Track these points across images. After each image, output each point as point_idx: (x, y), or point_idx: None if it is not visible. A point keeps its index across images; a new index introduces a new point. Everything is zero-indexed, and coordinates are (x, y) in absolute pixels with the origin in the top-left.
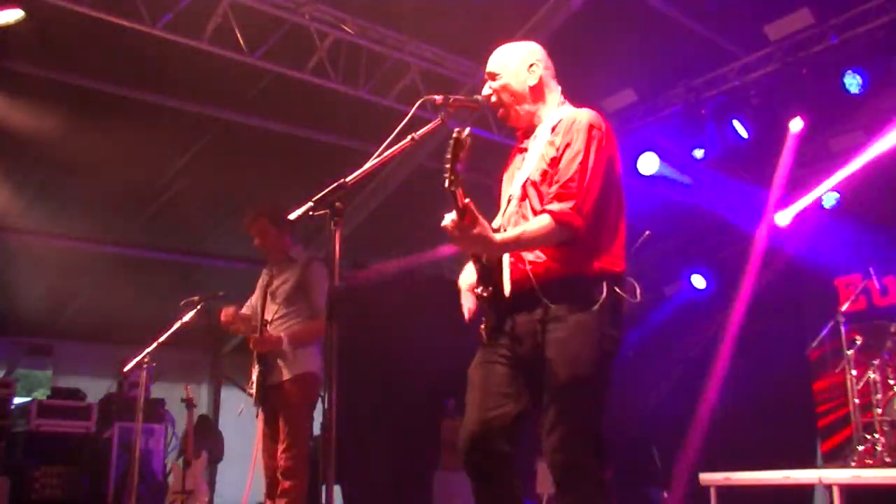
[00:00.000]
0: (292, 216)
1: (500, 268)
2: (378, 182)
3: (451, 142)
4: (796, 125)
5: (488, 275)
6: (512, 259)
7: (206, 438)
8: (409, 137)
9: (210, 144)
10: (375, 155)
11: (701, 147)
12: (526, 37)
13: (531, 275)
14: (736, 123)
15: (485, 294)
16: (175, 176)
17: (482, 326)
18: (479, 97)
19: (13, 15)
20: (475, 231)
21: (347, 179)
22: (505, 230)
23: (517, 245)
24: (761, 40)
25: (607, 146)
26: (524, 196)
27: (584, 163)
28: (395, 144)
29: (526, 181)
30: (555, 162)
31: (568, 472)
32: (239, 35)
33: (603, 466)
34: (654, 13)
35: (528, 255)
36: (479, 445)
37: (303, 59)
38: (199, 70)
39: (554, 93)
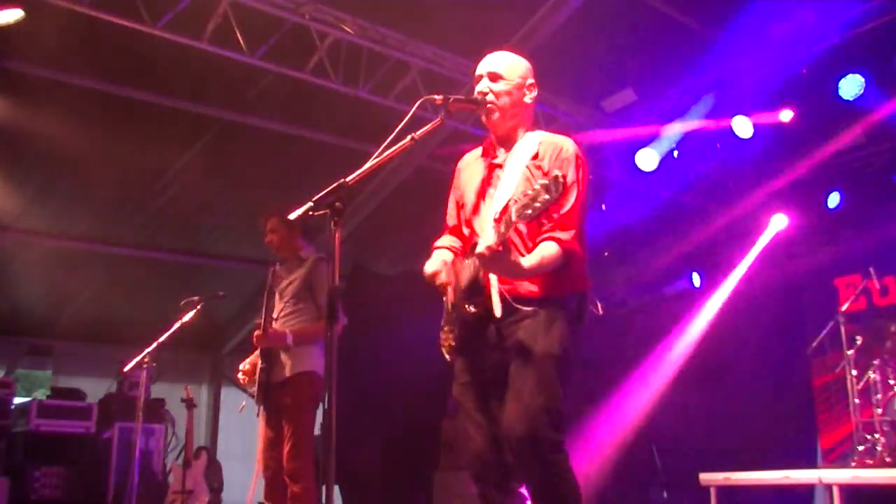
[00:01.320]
0: (292, 216)
1: (488, 287)
2: (378, 182)
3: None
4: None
5: (477, 292)
6: (501, 283)
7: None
8: (409, 137)
9: (210, 144)
10: (375, 155)
11: (701, 147)
12: (526, 36)
13: (507, 294)
14: (738, 123)
15: (474, 310)
16: (175, 176)
17: (448, 343)
18: (479, 97)
19: (13, 15)
20: (511, 258)
21: (347, 179)
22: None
23: (539, 270)
24: (761, 40)
25: (588, 176)
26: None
27: (578, 194)
28: (395, 144)
29: (508, 201)
30: None
31: (528, 443)
32: (239, 35)
33: (563, 441)
34: (654, 12)
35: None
36: (486, 461)
37: (303, 59)
38: (200, 70)
39: (532, 115)
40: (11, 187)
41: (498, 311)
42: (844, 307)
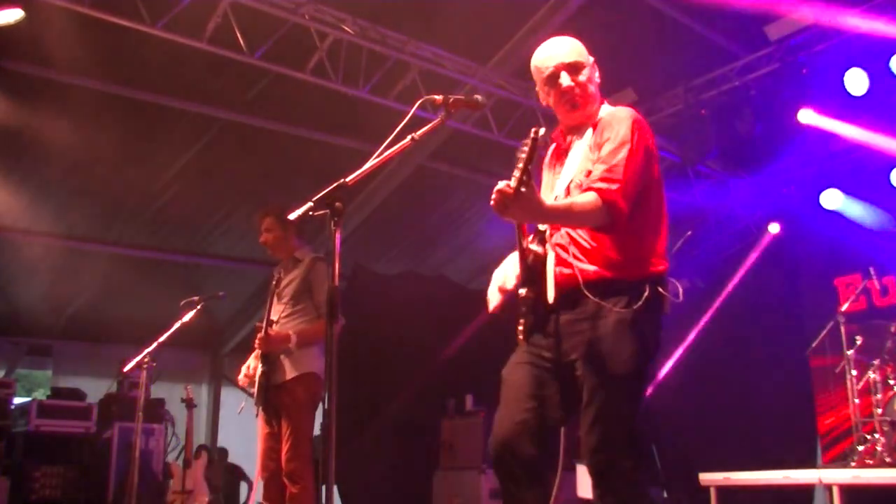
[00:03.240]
0: (292, 216)
1: (545, 271)
2: (378, 182)
3: (530, 142)
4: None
5: (532, 277)
6: (557, 265)
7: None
8: (409, 137)
9: (210, 144)
10: (375, 155)
11: (701, 147)
12: (526, 37)
13: (578, 276)
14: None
15: (530, 295)
16: (175, 176)
17: (519, 327)
18: (479, 97)
19: (13, 15)
20: (532, 197)
21: (347, 179)
22: (549, 233)
23: (566, 215)
24: (761, 40)
25: (647, 140)
26: (568, 196)
27: (628, 150)
28: (395, 144)
29: (570, 183)
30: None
31: (605, 473)
32: (239, 35)
33: (641, 467)
34: (654, 13)
35: (574, 261)
36: (509, 448)
37: (303, 59)
38: (199, 70)
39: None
40: (11, 187)
41: (551, 295)
42: (844, 307)
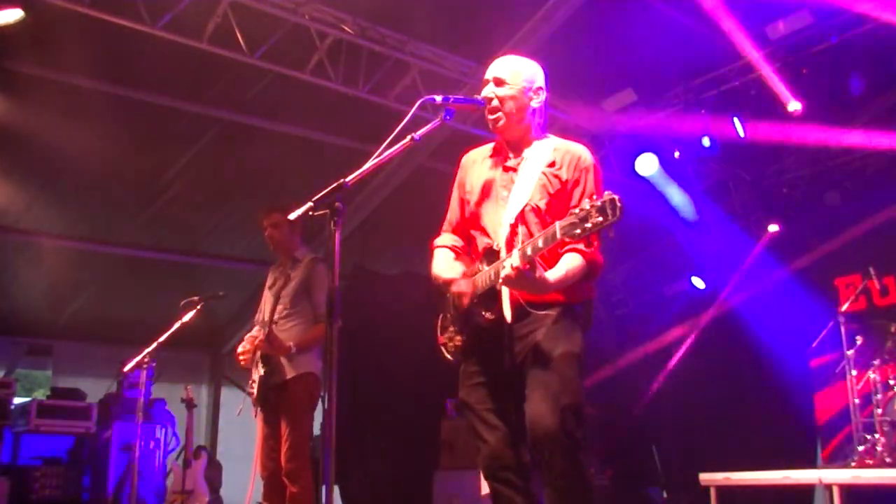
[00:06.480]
0: (292, 216)
1: (501, 295)
2: (378, 182)
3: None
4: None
5: (494, 298)
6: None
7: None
8: (409, 137)
9: (210, 144)
10: (375, 155)
11: (699, 147)
12: (526, 36)
13: (523, 301)
14: (736, 122)
15: (492, 317)
16: (175, 176)
17: (453, 342)
18: (479, 97)
19: (13, 15)
20: (538, 275)
21: (347, 179)
22: (500, 253)
23: (564, 283)
24: (761, 40)
25: (602, 184)
26: (522, 220)
27: None
28: (395, 144)
29: (525, 207)
30: (559, 194)
31: (557, 440)
32: (239, 35)
33: (587, 448)
34: (654, 12)
35: None
36: (504, 461)
37: (303, 59)
38: (199, 70)
39: (542, 120)
40: (11, 187)
41: (508, 316)
42: (844, 307)
